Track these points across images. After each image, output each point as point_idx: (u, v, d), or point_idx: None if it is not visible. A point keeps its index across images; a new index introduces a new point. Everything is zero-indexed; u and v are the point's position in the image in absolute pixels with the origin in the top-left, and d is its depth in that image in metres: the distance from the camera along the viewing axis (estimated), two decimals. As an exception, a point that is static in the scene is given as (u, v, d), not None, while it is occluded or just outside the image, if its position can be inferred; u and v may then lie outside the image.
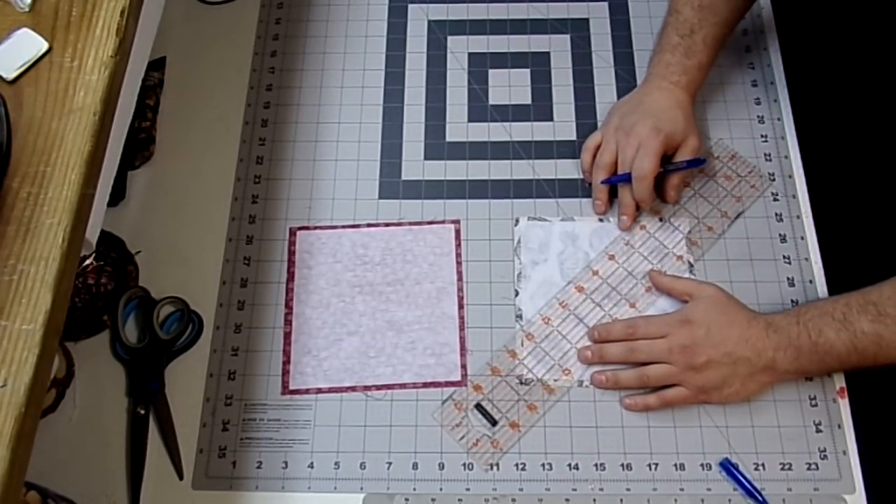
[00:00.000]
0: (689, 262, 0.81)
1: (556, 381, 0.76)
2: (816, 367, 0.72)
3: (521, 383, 0.76)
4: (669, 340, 0.73)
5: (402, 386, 0.76)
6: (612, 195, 0.83)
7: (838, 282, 0.78)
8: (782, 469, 0.72)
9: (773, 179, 0.85)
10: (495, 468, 0.73)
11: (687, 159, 0.81)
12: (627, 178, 0.80)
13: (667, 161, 0.81)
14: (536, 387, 0.76)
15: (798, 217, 0.83)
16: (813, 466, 0.72)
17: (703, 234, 0.82)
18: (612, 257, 0.82)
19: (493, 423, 0.74)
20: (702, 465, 0.72)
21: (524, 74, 0.92)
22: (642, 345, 0.74)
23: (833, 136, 0.87)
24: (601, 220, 0.83)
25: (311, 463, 0.73)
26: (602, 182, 0.82)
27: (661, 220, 0.83)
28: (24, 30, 0.59)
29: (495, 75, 0.92)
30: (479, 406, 0.75)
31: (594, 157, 0.84)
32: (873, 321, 0.67)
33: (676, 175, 0.82)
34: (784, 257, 0.81)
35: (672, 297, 0.78)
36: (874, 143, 0.82)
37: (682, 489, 0.71)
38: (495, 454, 0.73)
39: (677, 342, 0.73)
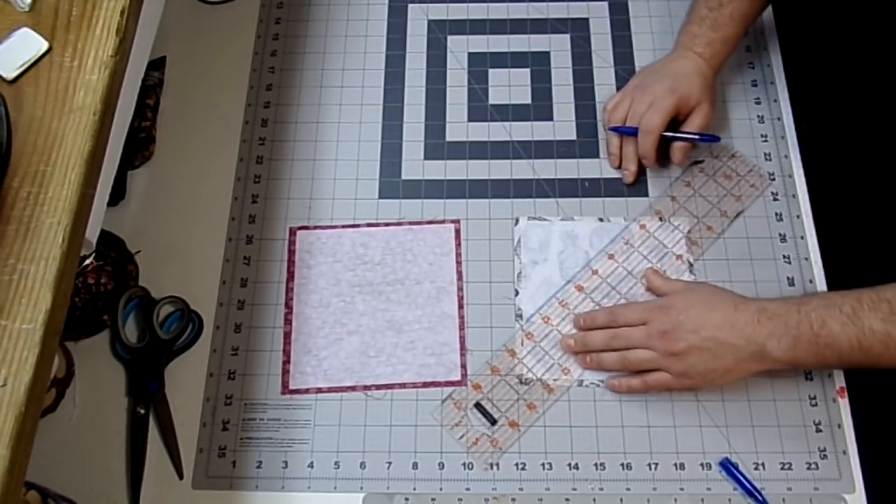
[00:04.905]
0: (689, 262, 0.81)
1: (555, 380, 0.76)
2: (813, 360, 0.69)
3: (521, 382, 0.76)
4: (649, 327, 0.73)
5: (402, 385, 0.76)
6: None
7: (838, 281, 0.78)
8: (782, 469, 0.72)
9: (773, 179, 0.85)
10: (495, 467, 0.73)
11: (697, 133, 0.82)
12: (635, 132, 0.83)
13: (677, 125, 0.83)
14: (536, 386, 0.76)
15: (798, 217, 0.83)
16: (813, 466, 0.72)
17: (702, 234, 0.82)
18: (611, 257, 0.82)
19: (493, 422, 0.74)
20: (702, 464, 0.72)
21: (524, 74, 0.92)
22: (623, 332, 0.74)
23: (833, 136, 0.87)
24: (601, 219, 0.83)
25: (311, 462, 0.73)
26: (610, 129, 0.85)
27: (660, 219, 0.83)
28: (24, 29, 0.60)
29: (495, 75, 0.92)
30: (478, 405, 0.75)
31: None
32: (884, 320, 0.65)
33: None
34: (784, 257, 0.81)
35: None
36: (874, 143, 0.82)
37: (682, 489, 0.71)
38: (495, 453, 0.73)
39: (656, 328, 0.72)
